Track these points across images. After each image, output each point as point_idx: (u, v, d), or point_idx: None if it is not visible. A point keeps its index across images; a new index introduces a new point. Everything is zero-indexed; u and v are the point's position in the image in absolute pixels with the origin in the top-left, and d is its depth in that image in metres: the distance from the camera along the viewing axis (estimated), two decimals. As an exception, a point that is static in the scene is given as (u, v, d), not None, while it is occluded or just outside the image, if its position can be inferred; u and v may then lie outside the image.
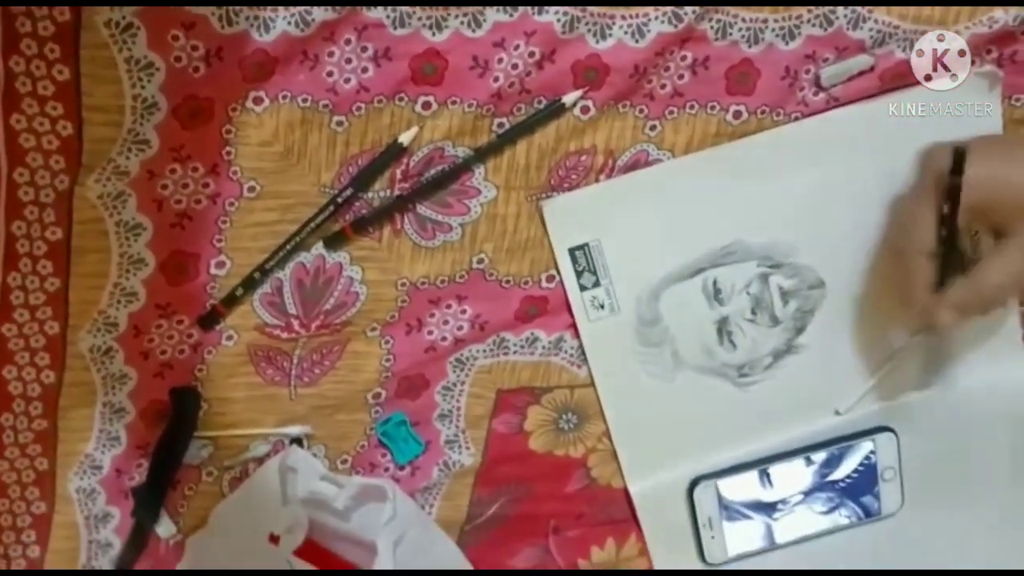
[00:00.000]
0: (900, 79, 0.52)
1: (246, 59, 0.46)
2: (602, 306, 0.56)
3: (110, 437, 0.53)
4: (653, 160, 0.53)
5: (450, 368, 0.57)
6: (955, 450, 0.62)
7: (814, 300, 0.57)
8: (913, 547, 0.63)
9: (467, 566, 0.58)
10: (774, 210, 0.55)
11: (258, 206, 0.50)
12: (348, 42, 0.47)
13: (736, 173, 0.54)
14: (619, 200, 0.54)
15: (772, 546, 0.62)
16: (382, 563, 0.51)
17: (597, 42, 0.49)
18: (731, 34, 0.50)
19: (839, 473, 0.61)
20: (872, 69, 0.52)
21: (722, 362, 0.58)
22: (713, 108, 0.52)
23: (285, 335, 0.53)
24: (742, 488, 0.60)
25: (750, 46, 0.50)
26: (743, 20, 0.50)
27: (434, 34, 0.47)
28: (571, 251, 0.54)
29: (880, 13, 0.50)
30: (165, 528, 0.55)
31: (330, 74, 0.47)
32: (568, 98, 0.50)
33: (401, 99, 0.49)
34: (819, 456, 0.60)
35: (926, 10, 0.50)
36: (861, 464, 0.61)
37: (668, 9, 0.48)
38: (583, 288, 0.55)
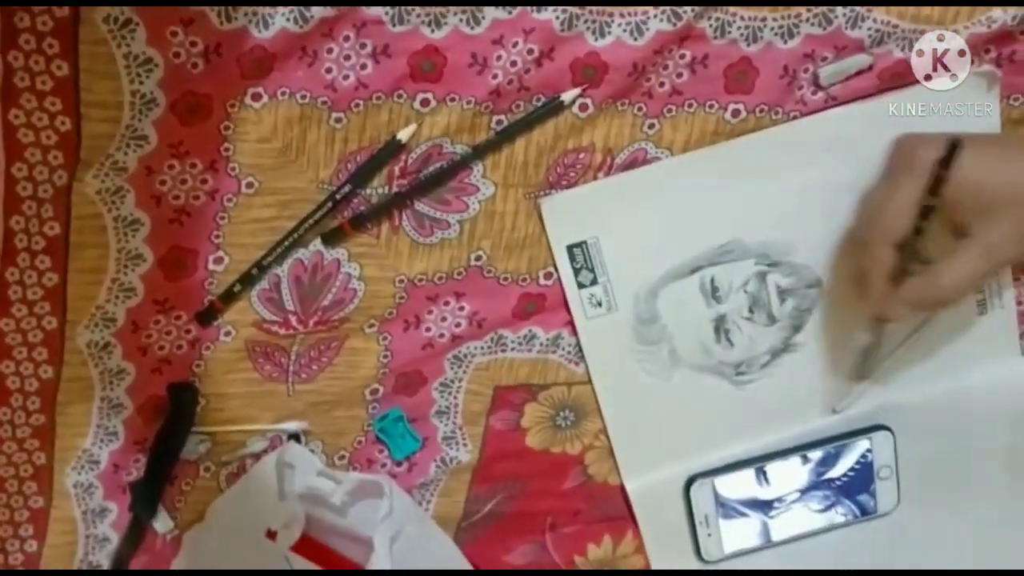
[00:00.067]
0: (899, 78, 0.52)
1: (245, 55, 0.46)
2: (600, 304, 0.56)
3: (108, 432, 0.53)
4: (651, 158, 0.53)
5: (448, 365, 0.57)
6: (952, 449, 0.62)
7: (811, 299, 0.58)
8: (909, 546, 0.64)
9: (464, 562, 0.59)
10: (772, 209, 0.55)
11: (256, 202, 0.50)
12: (347, 39, 0.47)
13: (734, 172, 0.54)
14: (617, 198, 0.54)
15: (768, 544, 0.62)
16: (378, 559, 0.51)
17: (596, 40, 0.49)
18: (730, 33, 0.50)
19: (835, 471, 0.61)
20: (870, 68, 0.52)
21: (719, 360, 0.58)
22: (712, 106, 0.52)
23: (283, 331, 0.53)
24: (739, 486, 0.60)
25: (749, 45, 0.51)
26: (742, 19, 0.50)
27: (433, 31, 0.47)
28: (569, 249, 0.54)
29: (879, 12, 0.50)
30: (162, 523, 0.55)
31: (329, 71, 0.47)
32: (567, 96, 0.50)
33: (400, 96, 0.49)
34: (815, 454, 0.60)
35: (925, 9, 0.50)
36: (857, 462, 0.61)
37: (667, 7, 0.48)
38: (581, 286, 0.55)
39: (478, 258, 0.54)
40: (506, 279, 0.55)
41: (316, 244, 0.52)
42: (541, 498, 0.61)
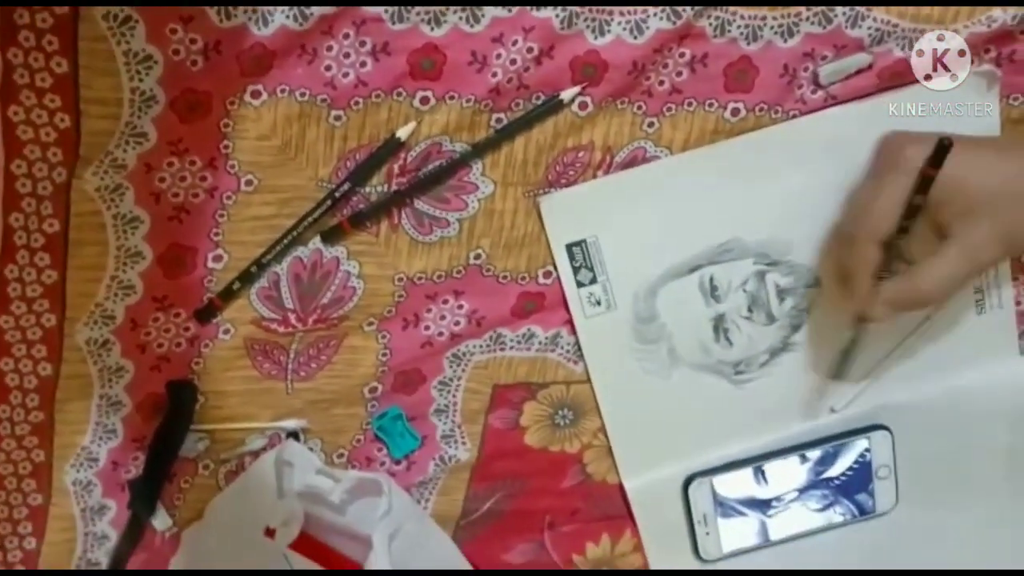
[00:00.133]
0: (898, 77, 0.52)
1: (244, 53, 0.46)
2: (599, 302, 0.56)
3: (107, 430, 0.53)
4: (651, 157, 0.53)
5: (447, 363, 0.57)
6: (950, 449, 0.62)
7: (810, 298, 0.58)
8: (908, 545, 0.64)
9: (462, 561, 0.59)
10: (771, 208, 0.55)
11: (256, 200, 0.50)
12: (346, 36, 0.47)
13: (733, 171, 0.54)
14: (616, 197, 0.54)
15: (766, 543, 0.62)
16: (377, 557, 0.51)
17: (596, 38, 0.49)
18: (730, 31, 0.50)
19: (834, 471, 0.61)
20: (870, 67, 0.52)
21: (718, 359, 0.58)
22: (711, 105, 0.52)
23: (282, 329, 0.53)
24: (737, 485, 0.60)
25: (749, 43, 0.51)
26: (742, 17, 0.50)
27: (432, 29, 0.47)
28: (568, 247, 0.54)
29: (879, 11, 0.50)
30: (161, 521, 0.55)
31: (328, 68, 0.47)
32: (566, 94, 0.50)
33: (399, 94, 0.49)
34: (814, 453, 0.60)
35: (925, 9, 0.50)
36: (856, 462, 0.61)
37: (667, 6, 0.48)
38: (580, 284, 0.55)
39: (477, 256, 0.54)
40: (505, 278, 0.55)
41: (315, 242, 0.52)
42: (540, 497, 0.61)
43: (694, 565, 0.62)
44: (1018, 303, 0.60)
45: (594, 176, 0.53)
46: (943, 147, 0.47)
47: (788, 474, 0.61)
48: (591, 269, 0.55)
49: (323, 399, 0.56)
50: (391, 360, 0.56)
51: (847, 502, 0.62)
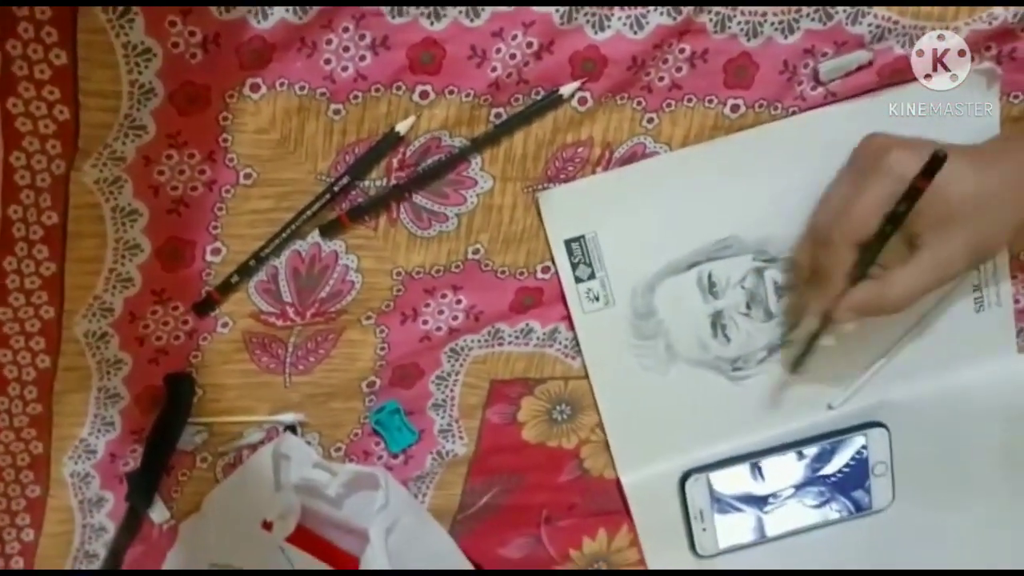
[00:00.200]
0: (898, 75, 0.52)
1: (243, 46, 0.46)
2: (597, 298, 0.56)
3: (105, 422, 0.53)
4: (650, 153, 0.53)
5: (444, 358, 0.57)
6: (947, 446, 0.62)
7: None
8: (904, 542, 0.64)
9: (459, 555, 0.59)
10: (770, 204, 0.55)
11: (254, 193, 0.50)
12: (346, 30, 0.47)
13: (733, 167, 0.54)
14: (615, 193, 0.54)
15: (763, 539, 0.62)
16: (374, 551, 0.51)
17: (595, 33, 0.49)
18: (730, 27, 0.50)
19: (830, 467, 0.61)
20: (870, 64, 0.52)
21: (716, 355, 0.58)
22: (711, 101, 0.52)
23: (280, 323, 0.53)
24: (734, 481, 0.60)
25: (749, 40, 0.50)
26: (742, 13, 0.49)
27: (432, 23, 0.47)
28: (567, 243, 0.54)
29: (880, 8, 0.50)
30: (159, 513, 0.56)
31: (328, 62, 0.47)
32: (566, 89, 0.50)
33: (398, 88, 0.48)
34: (811, 450, 0.60)
35: (925, 6, 0.50)
36: (852, 459, 0.61)
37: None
38: (578, 280, 0.55)
39: (476, 251, 0.54)
40: (503, 273, 0.55)
41: (314, 236, 0.52)
42: (537, 491, 0.61)
43: (690, 561, 0.62)
44: (1016, 301, 0.60)
45: (593, 172, 0.53)
46: (937, 159, 0.47)
47: (785, 470, 0.61)
48: (589, 265, 0.55)
49: (321, 393, 0.56)
50: (389, 354, 0.56)
51: (843, 499, 0.62)
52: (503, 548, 0.62)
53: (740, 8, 0.49)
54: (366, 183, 0.51)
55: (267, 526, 0.54)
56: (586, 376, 0.58)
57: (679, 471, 0.60)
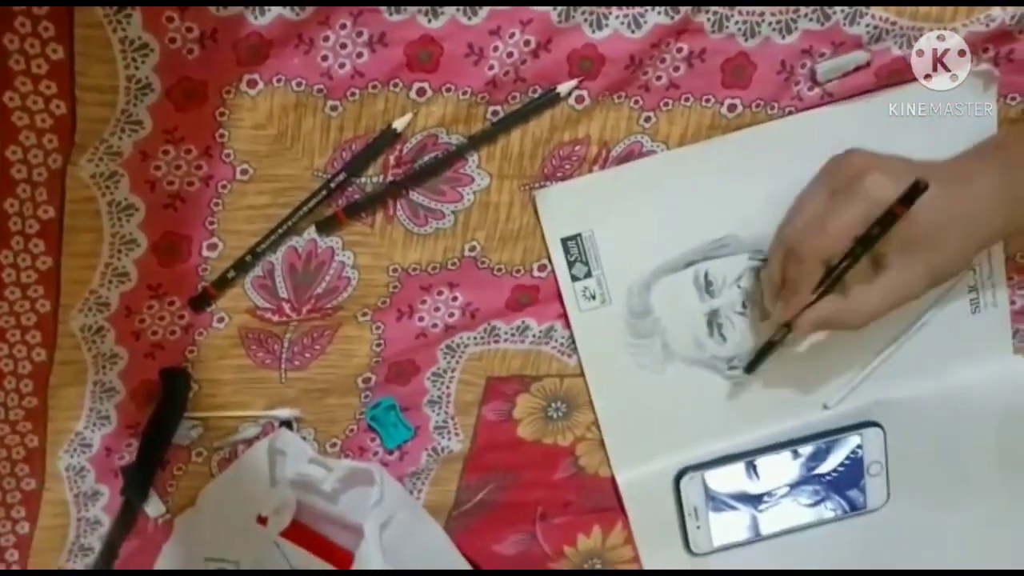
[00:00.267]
0: (896, 76, 0.52)
1: (241, 42, 0.46)
2: (593, 296, 0.56)
3: (100, 416, 0.53)
4: (647, 152, 0.53)
5: (440, 355, 0.57)
6: (942, 446, 0.62)
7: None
8: (898, 542, 0.64)
9: (453, 551, 0.59)
10: (767, 204, 0.55)
11: (251, 189, 0.50)
12: (343, 27, 0.46)
13: (730, 166, 0.54)
14: (612, 191, 0.54)
15: (757, 537, 0.62)
16: (368, 546, 0.51)
17: (593, 32, 0.49)
18: (728, 27, 0.50)
19: (825, 467, 0.61)
20: (868, 65, 0.52)
21: (712, 354, 0.58)
22: (708, 101, 0.52)
23: (276, 318, 0.53)
24: (728, 479, 0.60)
25: (746, 39, 0.50)
26: (740, 13, 0.49)
27: (430, 20, 0.47)
28: (564, 241, 0.55)
29: (877, 9, 0.50)
30: (154, 507, 0.56)
31: (325, 58, 0.47)
32: (563, 87, 0.50)
33: (396, 85, 0.48)
34: (806, 449, 0.61)
35: (923, 7, 0.50)
36: (848, 458, 0.61)
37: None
38: (575, 278, 0.55)
39: (472, 249, 0.54)
40: (500, 270, 0.55)
41: (310, 232, 0.52)
42: (532, 489, 0.61)
43: (685, 559, 0.63)
44: (1012, 302, 0.60)
45: (590, 170, 0.53)
46: (917, 188, 0.47)
47: (780, 469, 0.61)
48: (586, 263, 0.55)
49: (317, 388, 0.56)
50: (385, 351, 0.56)
51: (838, 498, 0.62)
52: (498, 545, 0.62)
53: (738, 8, 0.49)
54: (363, 180, 0.51)
55: (262, 521, 0.54)
56: (582, 374, 0.58)
57: (674, 469, 0.60)
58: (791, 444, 0.60)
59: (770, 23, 0.50)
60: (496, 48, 0.48)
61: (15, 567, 0.55)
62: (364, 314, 0.55)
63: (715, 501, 0.61)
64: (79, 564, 0.56)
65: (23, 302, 0.49)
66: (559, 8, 0.47)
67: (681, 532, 0.62)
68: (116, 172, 0.47)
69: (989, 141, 0.53)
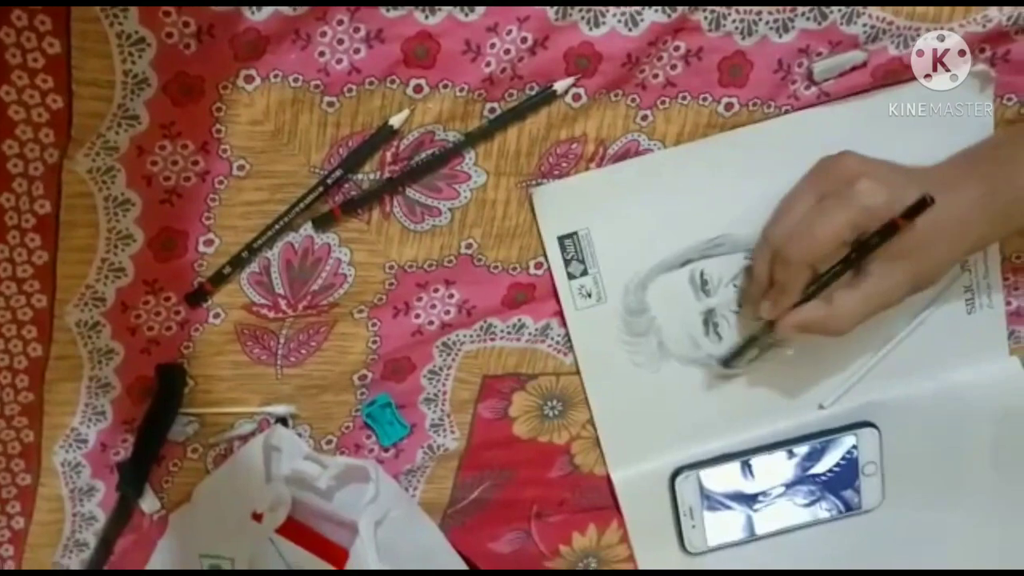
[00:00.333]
0: (892, 75, 0.52)
1: (238, 37, 0.46)
2: (589, 295, 0.56)
3: (96, 411, 0.53)
4: (644, 150, 0.53)
5: (436, 352, 0.57)
6: (938, 447, 0.62)
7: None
8: (893, 542, 0.64)
9: (448, 549, 0.59)
10: (764, 203, 0.55)
11: (247, 185, 0.50)
12: (340, 23, 0.47)
13: (727, 165, 0.54)
14: (609, 189, 0.54)
15: (752, 537, 0.62)
16: (363, 543, 0.51)
17: (590, 29, 0.49)
18: (725, 26, 0.50)
19: (821, 467, 0.61)
20: (864, 65, 0.52)
21: (707, 353, 0.58)
22: (705, 99, 0.52)
23: (272, 314, 0.53)
24: (724, 479, 0.61)
25: (743, 38, 0.50)
26: (737, 12, 0.49)
27: (427, 17, 0.47)
28: (560, 239, 0.55)
29: (874, 9, 0.50)
30: (149, 503, 0.56)
31: (322, 54, 0.47)
32: (560, 85, 0.50)
33: (393, 82, 0.49)
34: (801, 449, 0.61)
35: (920, 7, 0.50)
36: (843, 458, 0.61)
37: (662, -1, 0.48)
38: (571, 276, 0.55)
39: (468, 246, 0.54)
40: (496, 268, 0.55)
41: (307, 228, 0.52)
42: (527, 487, 0.61)
43: (680, 558, 0.63)
44: (1008, 303, 0.60)
45: (587, 168, 0.53)
46: (923, 203, 0.47)
47: (775, 469, 0.61)
48: (582, 261, 0.55)
49: (312, 385, 0.56)
50: (381, 348, 0.56)
51: (833, 498, 0.62)
52: (493, 543, 0.62)
53: (735, 7, 0.49)
54: (359, 176, 0.51)
55: (257, 517, 0.54)
56: (578, 372, 0.58)
57: (669, 468, 0.60)
58: (786, 444, 0.61)
59: (767, 22, 0.50)
60: (493, 45, 0.48)
61: (10, 562, 0.55)
62: (360, 311, 0.55)
63: (710, 500, 0.61)
64: (74, 559, 0.56)
65: (19, 297, 0.49)
66: (556, 6, 0.47)
67: (676, 531, 0.62)
68: (112, 167, 0.47)
69: (980, 145, 0.53)
